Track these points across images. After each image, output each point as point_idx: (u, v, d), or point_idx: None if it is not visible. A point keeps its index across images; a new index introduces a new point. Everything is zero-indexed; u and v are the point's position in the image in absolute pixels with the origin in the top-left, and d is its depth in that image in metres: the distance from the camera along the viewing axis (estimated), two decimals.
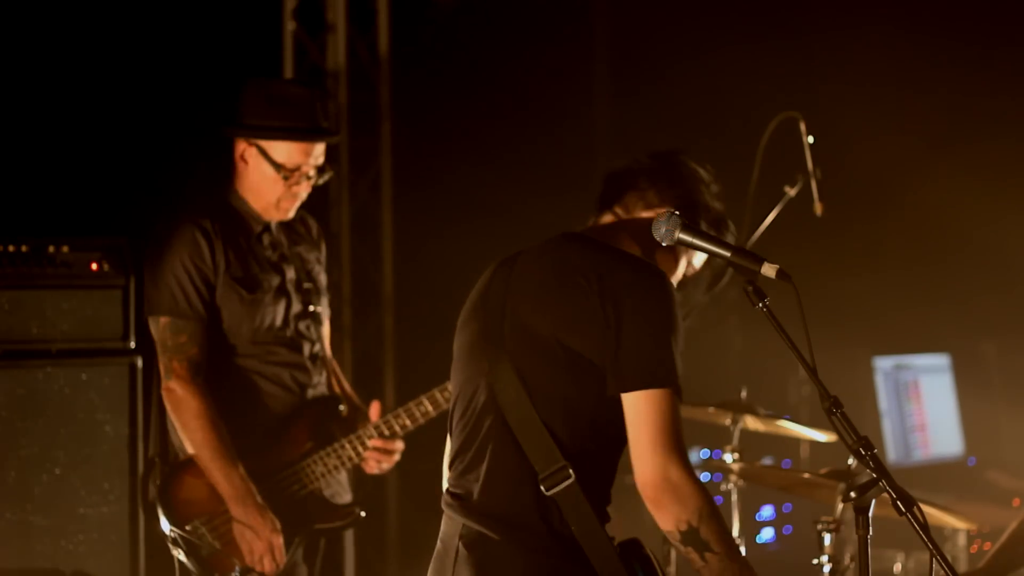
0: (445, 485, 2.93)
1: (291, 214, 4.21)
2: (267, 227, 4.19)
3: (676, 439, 2.72)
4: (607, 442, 2.77)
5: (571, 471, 2.72)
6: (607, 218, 3.02)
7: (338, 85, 6.50)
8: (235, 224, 4.13)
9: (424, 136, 6.63)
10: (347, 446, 4.15)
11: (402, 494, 6.61)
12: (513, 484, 2.77)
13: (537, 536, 2.75)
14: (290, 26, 6.42)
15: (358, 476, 6.46)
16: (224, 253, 4.07)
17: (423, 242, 6.39)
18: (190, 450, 4.02)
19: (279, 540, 3.96)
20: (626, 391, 2.73)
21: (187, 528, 3.95)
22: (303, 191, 4.18)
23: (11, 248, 4.45)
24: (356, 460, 4.18)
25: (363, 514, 4.23)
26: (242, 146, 4.14)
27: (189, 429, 3.99)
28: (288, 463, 4.10)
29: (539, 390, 2.76)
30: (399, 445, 4.24)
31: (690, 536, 2.72)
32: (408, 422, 4.19)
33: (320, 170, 4.17)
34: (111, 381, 4.50)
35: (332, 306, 6.54)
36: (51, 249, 4.50)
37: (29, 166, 5.42)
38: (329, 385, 4.30)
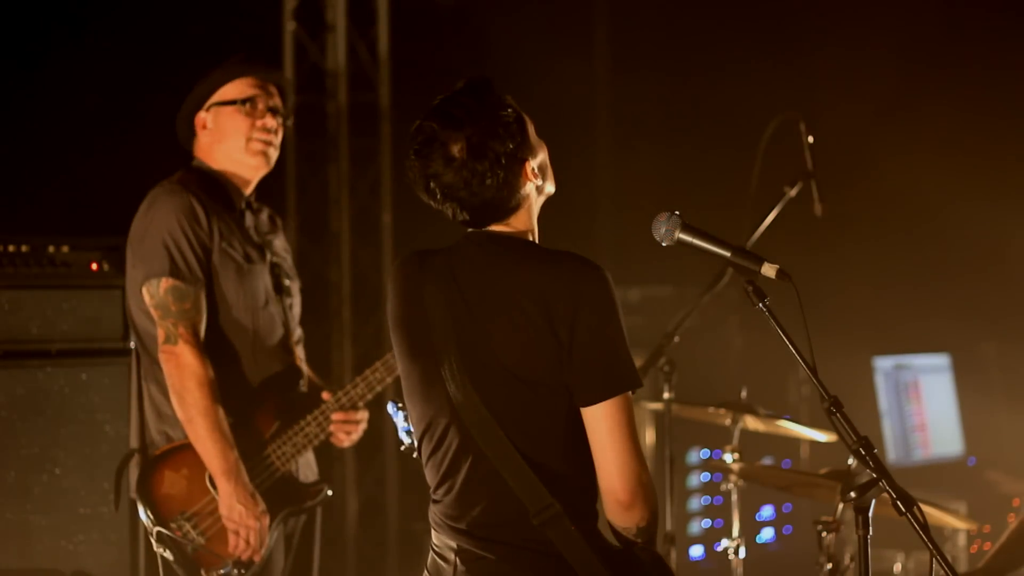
0: (434, 507, 2.88)
1: (270, 160, 4.11)
2: (249, 205, 4.12)
3: (638, 441, 2.72)
4: (583, 457, 2.76)
5: (558, 505, 2.70)
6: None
7: (338, 85, 6.51)
8: (219, 199, 4.04)
9: None
10: (312, 423, 4.08)
11: (402, 494, 6.62)
12: (506, 519, 2.75)
13: (534, 558, 2.74)
14: (290, 26, 6.43)
15: (359, 476, 6.49)
16: (217, 223, 3.97)
17: (423, 242, 6.38)
18: (182, 417, 3.87)
19: (266, 522, 3.90)
20: (592, 404, 2.70)
21: (172, 525, 3.86)
22: (270, 129, 4.07)
23: (11, 248, 4.45)
24: (322, 437, 4.10)
25: (330, 492, 4.16)
26: (200, 117, 4.08)
27: (192, 396, 3.84)
28: (259, 446, 4.01)
29: (513, 425, 2.73)
30: (362, 415, 4.18)
31: (646, 531, 2.74)
32: (366, 391, 4.14)
33: (280, 114, 4.11)
34: (111, 381, 4.50)
35: (332, 306, 6.59)
36: (51, 249, 4.50)
37: (30, 166, 5.42)
38: (295, 362, 4.20)
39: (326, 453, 4.19)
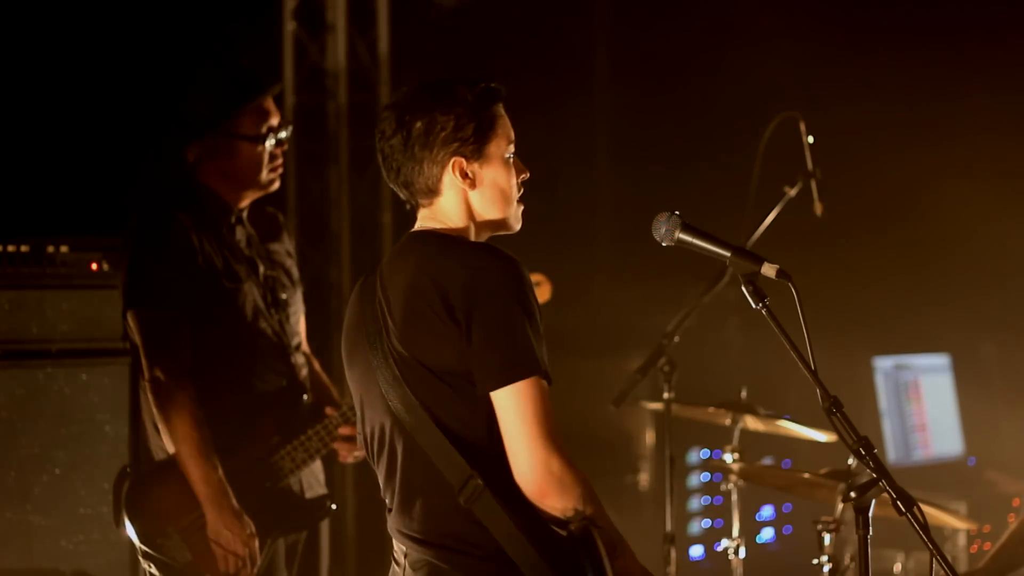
0: (388, 516, 2.93)
1: (276, 184, 4.14)
2: (239, 219, 4.09)
3: (550, 428, 2.70)
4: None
5: (479, 479, 2.71)
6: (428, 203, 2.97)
7: (338, 85, 6.51)
8: (208, 216, 4.01)
9: None
10: (314, 438, 4.04)
11: None
12: (440, 507, 2.78)
13: (475, 556, 2.75)
14: (290, 26, 6.42)
15: (359, 476, 6.49)
16: (201, 245, 3.93)
17: None
18: (169, 447, 3.86)
19: (255, 544, 3.84)
20: (492, 390, 2.71)
21: (158, 541, 3.82)
22: (279, 154, 4.13)
23: (11, 248, 4.45)
24: (324, 451, 4.07)
25: (334, 507, 4.13)
26: (210, 141, 4.04)
27: (174, 423, 3.82)
28: (256, 460, 3.97)
29: (437, 410, 2.75)
30: None
31: (581, 516, 2.72)
32: None
33: (283, 129, 4.13)
34: (111, 381, 4.50)
35: (332, 306, 6.58)
36: (51, 249, 4.50)
37: (29, 166, 5.42)
38: (298, 377, 4.15)
39: (327, 453, 4.15)
